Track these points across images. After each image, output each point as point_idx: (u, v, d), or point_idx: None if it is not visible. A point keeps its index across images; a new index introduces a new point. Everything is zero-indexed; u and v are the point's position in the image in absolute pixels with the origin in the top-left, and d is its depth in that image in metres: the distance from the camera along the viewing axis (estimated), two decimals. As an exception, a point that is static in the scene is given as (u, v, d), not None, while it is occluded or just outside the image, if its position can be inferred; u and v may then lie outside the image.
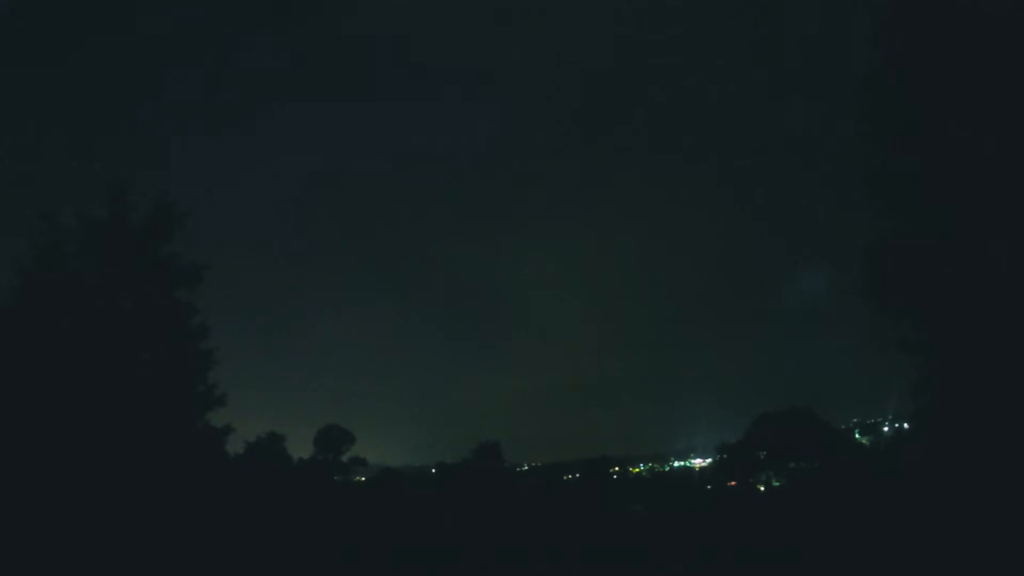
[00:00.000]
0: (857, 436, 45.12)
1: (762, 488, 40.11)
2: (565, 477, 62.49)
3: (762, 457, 39.97)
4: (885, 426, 43.60)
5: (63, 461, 19.26)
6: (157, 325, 23.27)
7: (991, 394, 14.50)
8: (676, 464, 72.03)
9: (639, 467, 73.10)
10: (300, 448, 46.08)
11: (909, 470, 20.99)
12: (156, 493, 20.15)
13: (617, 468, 62.72)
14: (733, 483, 42.13)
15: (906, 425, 29.04)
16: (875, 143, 16.37)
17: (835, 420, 42.08)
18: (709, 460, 55.43)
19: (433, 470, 55.79)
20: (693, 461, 67.59)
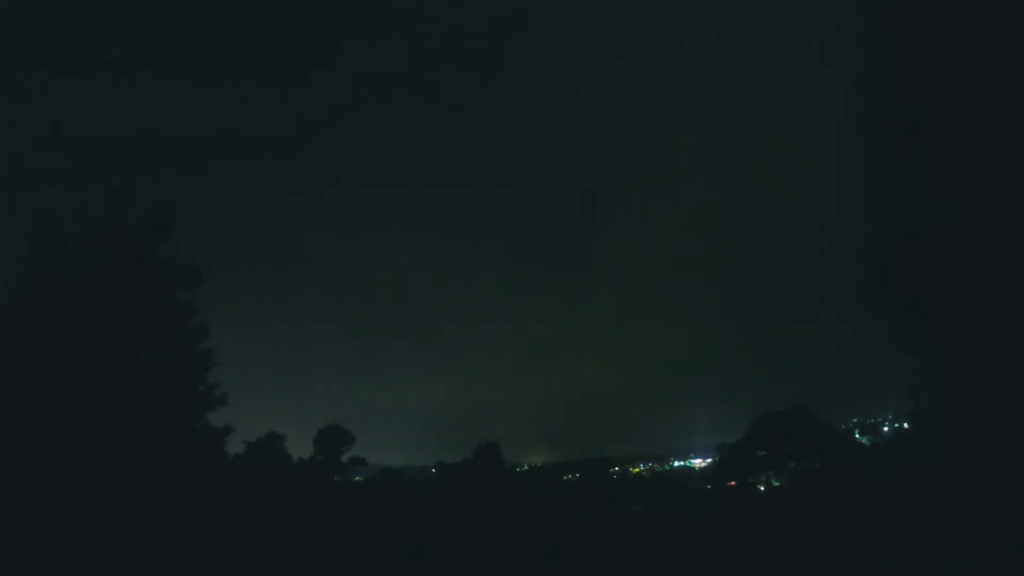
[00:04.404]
0: (857, 436, 45.00)
1: (762, 488, 40.03)
2: (565, 477, 62.46)
3: (762, 457, 39.88)
4: (885, 426, 43.55)
5: (63, 461, 19.26)
6: (157, 325, 23.29)
7: (991, 394, 14.49)
8: (676, 464, 71.99)
9: (639, 467, 73.05)
10: (300, 448, 46.05)
11: (909, 470, 20.98)
12: (156, 493, 20.16)
13: (617, 468, 62.76)
14: (733, 483, 42.04)
15: (906, 425, 29.01)
16: (875, 143, 16.37)
17: (835, 420, 42.01)
18: (709, 460, 55.36)
19: (433, 470, 55.67)
20: (693, 461, 67.52)
